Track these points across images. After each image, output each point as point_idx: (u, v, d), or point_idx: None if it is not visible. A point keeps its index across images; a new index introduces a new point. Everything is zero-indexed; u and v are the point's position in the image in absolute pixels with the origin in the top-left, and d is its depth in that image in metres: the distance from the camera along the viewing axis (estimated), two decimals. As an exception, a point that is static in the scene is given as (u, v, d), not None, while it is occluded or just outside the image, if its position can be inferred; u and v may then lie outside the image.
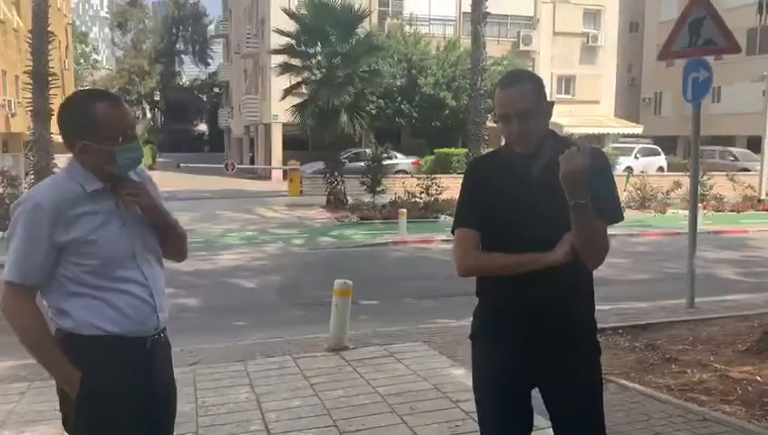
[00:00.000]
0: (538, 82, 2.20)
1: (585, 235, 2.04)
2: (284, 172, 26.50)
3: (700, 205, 9.69)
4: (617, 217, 2.20)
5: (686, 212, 8.74)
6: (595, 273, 2.25)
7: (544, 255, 2.07)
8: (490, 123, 21.33)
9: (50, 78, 15.70)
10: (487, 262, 2.19)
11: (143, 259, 2.18)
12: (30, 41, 15.97)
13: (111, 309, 2.09)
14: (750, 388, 4.40)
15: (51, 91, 15.36)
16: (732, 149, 31.33)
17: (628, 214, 13.87)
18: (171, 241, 2.29)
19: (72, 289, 2.09)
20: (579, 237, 2.05)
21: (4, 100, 25.02)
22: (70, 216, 2.05)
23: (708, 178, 18.10)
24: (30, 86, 15.84)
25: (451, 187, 16.85)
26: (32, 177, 15.79)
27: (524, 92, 2.14)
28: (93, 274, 2.08)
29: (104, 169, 2.13)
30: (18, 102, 24.88)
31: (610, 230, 2.17)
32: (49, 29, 16.09)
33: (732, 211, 17.77)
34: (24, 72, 16.72)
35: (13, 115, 25.67)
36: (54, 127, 2.25)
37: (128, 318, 2.11)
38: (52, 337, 2.08)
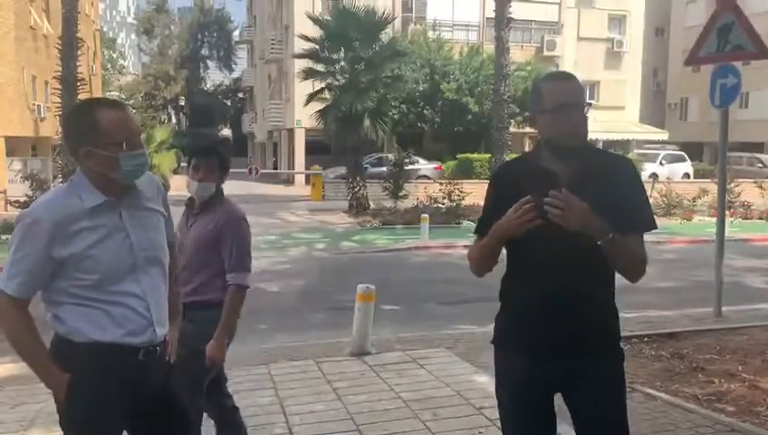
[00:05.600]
0: None
1: (623, 259, 2.11)
2: (307, 177, 26.63)
3: (727, 212, 9.54)
4: (650, 226, 2.20)
5: (713, 219, 8.62)
6: (621, 280, 2.24)
7: (499, 224, 2.11)
8: (513, 129, 21.23)
9: (78, 83, 16.00)
10: (474, 249, 2.30)
11: (144, 272, 2.17)
12: (59, 47, 16.28)
13: (104, 318, 2.10)
14: (779, 399, 4.32)
15: (79, 96, 15.61)
16: (760, 155, 30.79)
17: (654, 221, 13.67)
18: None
19: (67, 299, 2.10)
20: (617, 262, 2.11)
21: (34, 104, 25.45)
22: (68, 232, 2.05)
23: (736, 186, 17.81)
24: (59, 91, 16.15)
25: (473, 192, 16.76)
26: (59, 180, 16.06)
27: (581, 86, 2.19)
28: (91, 288, 2.09)
29: (109, 178, 2.11)
30: (47, 107, 25.29)
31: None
32: (78, 35, 16.39)
33: (760, 219, 17.46)
34: (54, 78, 17.03)
35: (42, 119, 26.10)
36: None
37: (120, 328, 2.12)
38: (41, 344, 2.12)
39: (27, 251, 2.05)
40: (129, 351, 2.14)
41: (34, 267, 2.06)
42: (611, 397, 2.23)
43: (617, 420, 2.23)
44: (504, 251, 2.26)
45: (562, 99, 2.11)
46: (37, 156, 25.46)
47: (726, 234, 7.37)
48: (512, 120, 20.59)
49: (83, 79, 16.76)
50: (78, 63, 16.34)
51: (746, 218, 17.30)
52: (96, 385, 2.10)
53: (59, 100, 16.14)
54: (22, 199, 14.78)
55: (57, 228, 2.04)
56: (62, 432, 2.21)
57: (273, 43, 35.09)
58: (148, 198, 2.24)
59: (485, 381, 4.71)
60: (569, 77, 2.22)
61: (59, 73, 16.16)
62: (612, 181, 2.14)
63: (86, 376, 2.10)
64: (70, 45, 15.97)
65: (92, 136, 2.07)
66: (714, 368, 5.02)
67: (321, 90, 19.37)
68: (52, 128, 25.69)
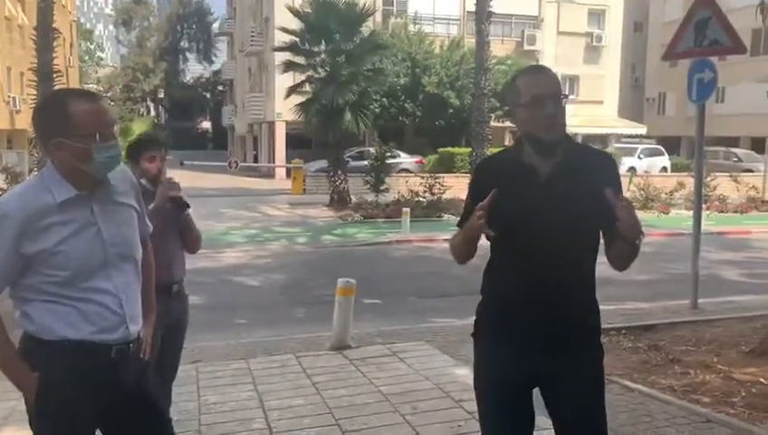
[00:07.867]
0: None
1: (635, 254, 2.15)
2: (288, 170, 26.49)
3: (704, 205, 9.65)
4: None
5: (690, 213, 8.72)
6: (598, 273, 2.26)
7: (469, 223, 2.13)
8: (494, 123, 21.30)
9: (54, 75, 15.74)
10: (453, 241, 2.30)
11: (115, 268, 2.12)
12: (35, 38, 16.01)
13: (75, 316, 2.05)
14: (754, 390, 4.39)
15: (55, 88, 15.36)
16: (735, 150, 31.19)
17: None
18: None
19: (36, 296, 2.05)
20: (630, 256, 2.15)
21: (9, 96, 25.06)
22: (38, 227, 2.00)
23: (712, 179, 18.05)
24: (34, 83, 15.89)
25: (454, 186, 16.81)
26: (35, 173, 15.83)
27: (556, 78, 2.20)
28: (61, 284, 2.03)
29: (80, 171, 2.05)
30: (23, 99, 24.93)
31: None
32: (54, 26, 16.12)
33: (735, 212, 17.73)
34: (29, 69, 16.77)
35: (17, 112, 25.71)
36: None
37: (91, 325, 2.07)
38: (9, 343, 2.07)
39: None
40: (101, 349, 2.09)
41: (3, 263, 2.01)
42: (590, 395, 2.23)
43: (595, 418, 2.24)
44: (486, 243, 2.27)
45: (537, 90, 2.13)
46: (12, 148, 25.09)
47: (703, 227, 7.46)
48: (492, 115, 20.62)
49: (60, 70, 16.49)
50: (54, 55, 16.07)
51: (722, 212, 17.55)
52: (67, 384, 2.05)
53: (35, 92, 15.87)
54: (-4, 193, 14.56)
55: (26, 223, 1.99)
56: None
57: (252, 36, 34.77)
58: (120, 192, 2.19)
59: (465, 374, 4.72)
60: (543, 70, 2.24)
61: (35, 65, 15.90)
62: (596, 180, 2.12)
63: (56, 375, 2.05)
64: (45, 36, 15.69)
65: (64, 127, 2.02)
66: (690, 359, 5.08)
67: (302, 83, 19.25)
68: (27, 120, 25.28)
